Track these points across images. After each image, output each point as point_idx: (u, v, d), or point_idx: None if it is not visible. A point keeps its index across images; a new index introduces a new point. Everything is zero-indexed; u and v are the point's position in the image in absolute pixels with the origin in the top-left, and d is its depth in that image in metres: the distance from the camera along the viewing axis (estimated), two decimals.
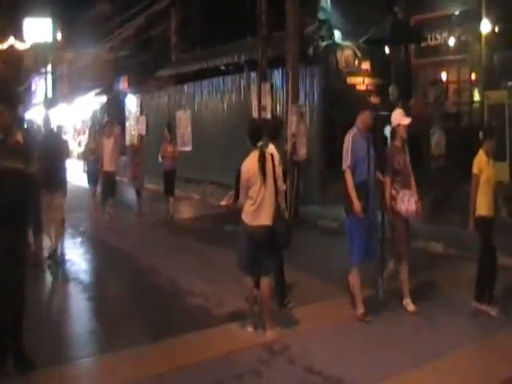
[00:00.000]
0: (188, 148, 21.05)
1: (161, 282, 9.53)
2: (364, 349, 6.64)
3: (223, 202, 7.70)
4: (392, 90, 15.18)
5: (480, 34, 14.76)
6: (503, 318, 7.48)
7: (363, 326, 7.30)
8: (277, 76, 16.14)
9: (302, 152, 13.58)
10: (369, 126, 7.51)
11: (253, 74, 16.71)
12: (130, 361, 6.45)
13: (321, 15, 16.30)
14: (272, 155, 7.11)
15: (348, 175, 7.25)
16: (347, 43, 16.31)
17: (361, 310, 7.41)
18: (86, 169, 16.59)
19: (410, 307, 7.66)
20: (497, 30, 14.56)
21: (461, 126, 15.24)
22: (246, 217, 6.97)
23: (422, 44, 16.68)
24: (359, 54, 16.29)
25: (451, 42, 16.08)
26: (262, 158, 6.95)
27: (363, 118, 7.41)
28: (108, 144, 15.05)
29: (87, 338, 7.28)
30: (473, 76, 16.16)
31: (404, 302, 7.72)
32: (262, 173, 6.89)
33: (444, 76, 16.79)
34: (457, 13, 15.80)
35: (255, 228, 6.91)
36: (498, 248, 7.74)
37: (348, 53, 16.25)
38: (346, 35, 16.35)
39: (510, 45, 14.33)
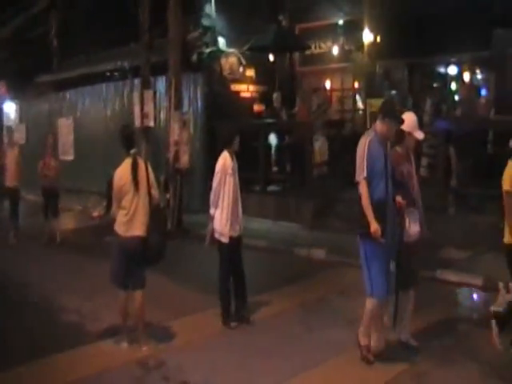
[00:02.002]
0: (70, 157, 20.31)
1: (33, 299, 8.95)
2: (241, 361, 6.48)
3: (95, 213, 7.34)
4: (276, 97, 15.24)
5: (363, 44, 15.02)
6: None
7: (240, 338, 7.13)
8: (160, 83, 15.81)
9: (185, 160, 13.34)
10: (388, 136, 6.16)
11: (136, 81, 16.32)
12: None
13: (205, 22, 16.12)
14: (146, 163, 6.81)
15: (364, 189, 5.94)
16: (231, 50, 16.20)
17: (366, 340, 6.40)
18: None
19: (413, 342, 6.70)
20: (378, 39, 14.87)
21: (343, 133, 15.46)
22: (119, 227, 6.68)
23: (307, 52, 16.91)
24: (244, 61, 16.21)
25: (335, 50, 16.38)
26: (135, 166, 6.66)
27: (384, 127, 6.07)
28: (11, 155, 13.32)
29: None
30: (356, 84, 16.49)
31: (404, 339, 6.72)
32: (134, 181, 6.61)
33: (328, 84, 17.03)
34: (340, 22, 16.10)
35: (128, 239, 6.61)
36: None
37: (232, 60, 16.13)
38: (230, 42, 16.25)
39: (392, 54, 14.69)
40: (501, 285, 7.74)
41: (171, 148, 13.35)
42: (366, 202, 5.94)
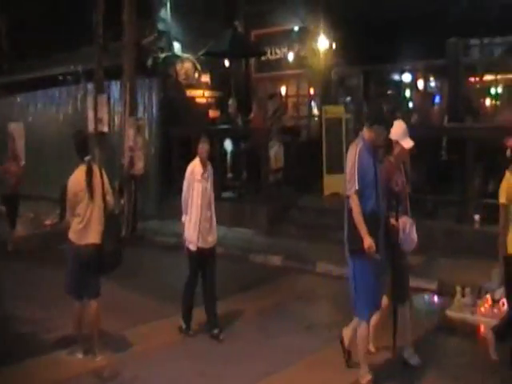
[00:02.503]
0: (21, 162, 19.92)
1: None
2: (200, 370, 6.39)
3: (48, 221, 7.15)
4: (232, 103, 15.21)
5: (318, 50, 15.10)
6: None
7: (199, 346, 7.04)
8: (114, 87, 15.61)
9: (140, 166, 13.18)
10: (377, 143, 5.87)
11: (89, 85, 16.07)
12: None
13: (160, 26, 16.01)
14: (100, 169, 6.69)
15: (356, 203, 5.61)
16: (187, 55, 16.12)
17: (368, 376, 5.92)
18: None
19: (415, 361, 6.42)
20: (334, 46, 14.97)
21: (299, 139, 15.50)
22: (73, 235, 6.54)
23: (262, 58, 16.90)
24: (199, 67, 16.15)
25: (290, 56, 16.40)
26: (90, 173, 6.54)
27: (372, 134, 5.75)
28: None
29: None
30: (311, 91, 16.56)
31: (406, 355, 6.42)
32: (89, 188, 6.48)
33: (283, 90, 17.06)
34: (296, 29, 16.14)
35: (83, 247, 6.47)
36: None
37: (188, 65, 16.04)
38: (185, 47, 16.17)
39: (347, 61, 14.81)
40: (457, 289, 7.88)
41: (126, 154, 13.19)
42: (358, 216, 5.59)
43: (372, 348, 6.57)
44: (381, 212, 5.79)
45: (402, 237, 6.08)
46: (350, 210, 5.68)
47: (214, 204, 7.36)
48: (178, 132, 14.67)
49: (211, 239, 7.30)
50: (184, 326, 7.37)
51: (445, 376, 6.17)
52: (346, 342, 6.28)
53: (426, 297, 8.34)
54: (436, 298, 8.35)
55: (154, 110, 15.36)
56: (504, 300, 7.35)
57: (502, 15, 12.49)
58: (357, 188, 5.60)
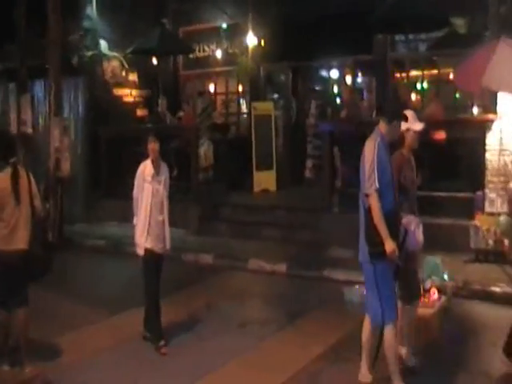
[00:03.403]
0: None
1: None
2: (134, 375, 6.20)
3: None
4: (161, 101, 15.01)
5: (247, 47, 15.06)
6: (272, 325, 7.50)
7: (132, 352, 6.81)
8: (38, 87, 15.16)
9: (66, 167, 12.80)
10: (394, 139, 5.68)
11: (11, 85, 15.58)
12: None
13: (86, 24, 15.65)
14: (27, 172, 6.40)
15: (376, 203, 5.21)
16: (114, 53, 15.82)
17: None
18: None
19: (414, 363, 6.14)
20: (263, 43, 14.96)
21: (229, 136, 15.45)
22: None
23: (191, 55, 16.74)
24: (126, 65, 15.87)
25: (219, 54, 16.31)
26: (16, 176, 6.22)
27: (392, 130, 5.51)
28: None
29: None
30: (240, 88, 16.52)
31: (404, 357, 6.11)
32: (15, 192, 6.17)
33: (212, 87, 16.96)
34: (224, 26, 16.06)
35: (9, 253, 6.15)
36: None
37: (115, 63, 15.75)
38: (112, 45, 15.85)
39: (276, 58, 14.82)
40: None
41: (52, 155, 12.80)
42: (379, 217, 5.20)
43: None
44: (397, 211, 5.50)
45: (405, 237, 5.64)
46: (368, 210, 5.29)
47: (167, 208, 6.99)
48: (106, 132, 14.36)
49: (162, 245, 6.93)
50: (147, 335, 6.99)
51: (378, 367, 6.15)
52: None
53: (358, 289, 8.37)
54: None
55: (81, 110, 14.96)
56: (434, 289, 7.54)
57: (427, 12, 12.71)
58: (377, 186, 5.21)
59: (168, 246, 7.01)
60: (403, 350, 6.06)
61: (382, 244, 5.20)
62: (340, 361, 6.39)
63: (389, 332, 5.41)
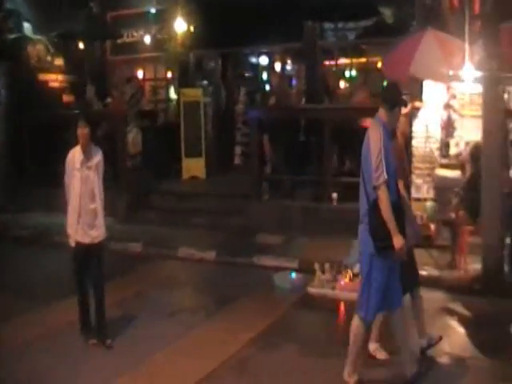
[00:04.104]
0: None
1: None
2: (56, 367, 6.03)
3: None
4: (89, 87, 14.67)
5: (175, 33, 14.87)
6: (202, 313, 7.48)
7: (58, 344, 6.59)
8: None
9: None
10: (395, 127, 5.51)
11: None
12: None
13: (8, 5, 15.12)
14: None
15: (385, 196, 4.98)
16: (39, 37, 15.36)
17: (354, 377, 5.43)
18: None
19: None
20: (192, 29, 14.81)
21: (157, 123, 15.26)
22: None
23: (119, 41, 16.48)
24: (52, 49, 15.43)
25: (147, 39, 16.07)
26: None
27: (393, 117, 5.30)
28: None
29: None
30: (169, 74, 16.33)
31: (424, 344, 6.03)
32: None
33: (141, 73, 16.70)
34: (153, 11, 15.83)
35: None
36: None
37: (40, 47, 15.29)
38: (37, 28, 15.40)
39: (205, 44, 14.70)
40: (316, 266, 8.01)
41: None
42: (388, 210, 4.98)
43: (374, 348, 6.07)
44: (402, 202, 5.35)
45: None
46: (375, 203, 5.05)
47: (101, 195, 6.60)
48: (30, 118, 13.89)
49: (95, 233, 6.54)
50: (82, 333, 6.74)
51: (307, 352, 6.22)
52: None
53: (287, 275, 8.40)
54: (297, 276, 8.43)
55: (3, 95, 14.46)
56: None
57: (355, 1, 12.83)
58: (386, 178, 4.97)
59: (102, 236, 6.61)
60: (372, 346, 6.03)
61: (389, 238, 5.02)
62: (269, 346, 6.39)
63: (358, 324, 5.31)
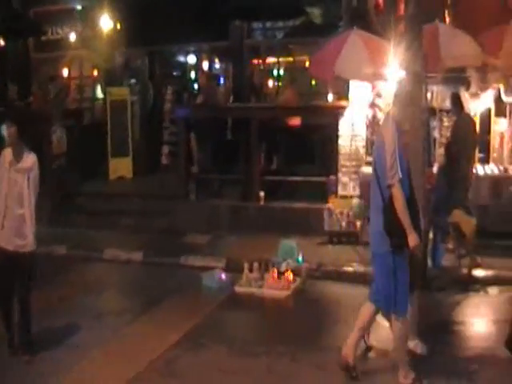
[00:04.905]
0: None
1: None
2: None
3: None
4: (11, 86, 14.28)
5: (102, 31, 14.62)
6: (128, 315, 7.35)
7: None
8: None
9: None
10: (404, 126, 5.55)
11: None
12: None
13: None
14: None
15: (399, 194, 5.05)
16: None
17: (411, 374, 5.37)
18: None
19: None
20: (118, 26, 14.60)
21: (83, 122, 14.97)
22: None
23: (43, 38, 16.07)
24: None
25: (73, 36, 15.75)
26: None
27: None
28: None
29: None
30: (95, 72, 16.05)
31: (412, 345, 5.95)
32: None
33: (66, 72, 16.34)
34: (79, 7, 15.54)
35: None
36: None
37: None
38: None
39: (132, 42, 14.53)
40: (245, 265, 8.01)
41: None
42: (403, 208, 5.05)
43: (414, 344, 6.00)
44: (415, 198, 5.39)
45: None
46: (389, 201, 5.11)
47: (32, 201, 6.15)
48: None
49: (21, 242, 6.07)
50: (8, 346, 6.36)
51: (235, 352, 6.19)
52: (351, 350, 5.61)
53: (215, 274, 8.36)
54: (224, 275, 8.39)
55: None
56: (289, 272, 7.70)
57: (283, 1, 12.91)
58: (400, 176, 5.06)
59: (30, 246, 6.15)
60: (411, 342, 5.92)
61: (405, 235, 5.07)
62: (196, 347, 6.33)
63: (400, 322, 5.29)
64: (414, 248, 5.11)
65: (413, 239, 5.06)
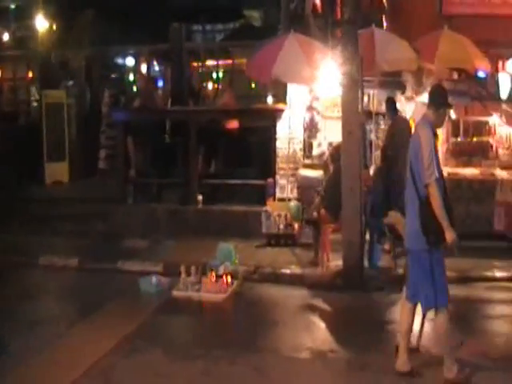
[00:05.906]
0: None
1: None
2: None
3: None
4: None
5: (37, 31, 14.35)
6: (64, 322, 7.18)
7: None
8: None
9: None
10: (441, 127, 5.93)
11: None
12: None
13: None
14: None
15: (436, 192, 5.23)
16: None
17: (456, 367, 5.43)
18: None
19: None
20: (54, 27, 14.37)
21: (18, 125, 14.66)
22: None
23: None
24: None
25: (6, 37, 15.41)
26: None
27: (441, 118, 5.62)
28: None
29: None
30: (30, 74, 15.75)
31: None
32: None
33: None
34: (12, 7, 15.23)
35: None
36: None
37: None
38: None
39: (69, 44, 14.33)
40: (182, 268, 7.96)
41: None
42: (440, 206, 5.23)
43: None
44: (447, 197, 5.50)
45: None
46: (426, 199, 5.27)
47: None
48: None
49: None
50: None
51: (172, 356, 6.13)
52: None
53: (152, 279, 8.27)
54: (162, 280, 8.32)
55: None
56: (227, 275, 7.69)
57: (222, 3, 12.92)
58: (437, 176, 5.26)
59: None
60: None
61: (441, 232, 5.22)
62: (134, 352, 6.24)
63: (442, 316, 5.41)
64: (451, 243, 5.27)
65: (450, 235, 5.23)
